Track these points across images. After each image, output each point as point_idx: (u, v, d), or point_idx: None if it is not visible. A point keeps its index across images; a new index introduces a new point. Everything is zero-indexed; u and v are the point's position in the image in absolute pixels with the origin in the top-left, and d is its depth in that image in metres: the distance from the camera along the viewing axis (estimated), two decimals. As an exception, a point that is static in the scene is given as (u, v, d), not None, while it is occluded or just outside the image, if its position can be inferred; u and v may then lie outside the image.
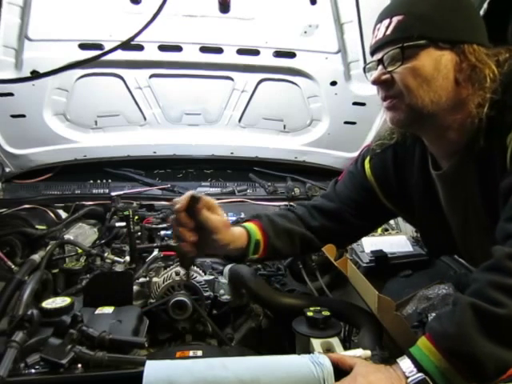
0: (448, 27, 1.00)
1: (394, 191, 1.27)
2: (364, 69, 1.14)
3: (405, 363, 0.86)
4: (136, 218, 1.87)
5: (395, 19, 1.01)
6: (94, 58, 1.47)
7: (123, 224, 1.86)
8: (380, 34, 1.04)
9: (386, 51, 1.03)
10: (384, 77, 1.04)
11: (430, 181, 1.18)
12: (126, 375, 0.88)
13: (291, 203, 2.29)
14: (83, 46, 1.91)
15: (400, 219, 2.11)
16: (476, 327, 0.81)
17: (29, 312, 0.98)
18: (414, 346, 0.88)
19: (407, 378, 0.84)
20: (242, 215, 2.05)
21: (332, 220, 1.33)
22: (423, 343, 0.87)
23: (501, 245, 0.89)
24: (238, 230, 1.20)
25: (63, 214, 2.14)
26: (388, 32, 1.02)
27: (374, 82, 1.07)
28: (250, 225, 1.25)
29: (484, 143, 0.99)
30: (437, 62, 0.99)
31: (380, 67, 1.05)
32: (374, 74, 1.07)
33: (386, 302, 1.19)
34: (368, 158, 1.31)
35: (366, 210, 1.32)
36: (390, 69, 1.03)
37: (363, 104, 2.19)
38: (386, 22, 1.03)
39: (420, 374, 0.83)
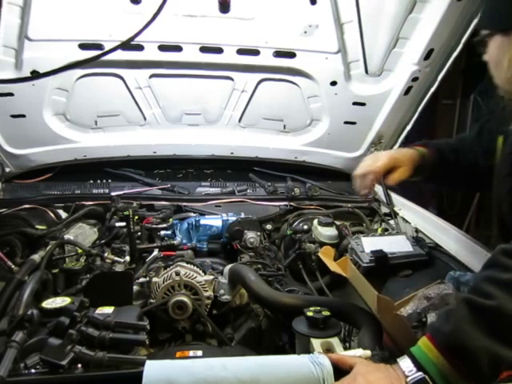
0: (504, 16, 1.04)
1: None
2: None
3: (405, 362, 0.87)
4: (136, 217, 1.88)
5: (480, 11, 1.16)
6: (94, 58, 1.47)
7: (123, 224, 1.87)
8: None
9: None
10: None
11: None
12: (126, 375, 0.89)
13: (291, 203, 2.30)
14: (83, 46, 1.91)
15: (400, 219, 2.11)
16: (469, 321, 0.82)
17: (29, 312, 0.99)
18: (415, 345, 0.89)
19: (407, 377, 0.84)
20: (242, 215, 2.05)
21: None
22: (423, 342, 0.87)
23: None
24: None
25: (63, 214, 2.15)
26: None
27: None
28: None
29: None
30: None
31: None
32: None
33: (385, 302, 1.19)
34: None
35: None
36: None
37: (363, 104, 2.19)
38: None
39: (419, 373, 0.84)
